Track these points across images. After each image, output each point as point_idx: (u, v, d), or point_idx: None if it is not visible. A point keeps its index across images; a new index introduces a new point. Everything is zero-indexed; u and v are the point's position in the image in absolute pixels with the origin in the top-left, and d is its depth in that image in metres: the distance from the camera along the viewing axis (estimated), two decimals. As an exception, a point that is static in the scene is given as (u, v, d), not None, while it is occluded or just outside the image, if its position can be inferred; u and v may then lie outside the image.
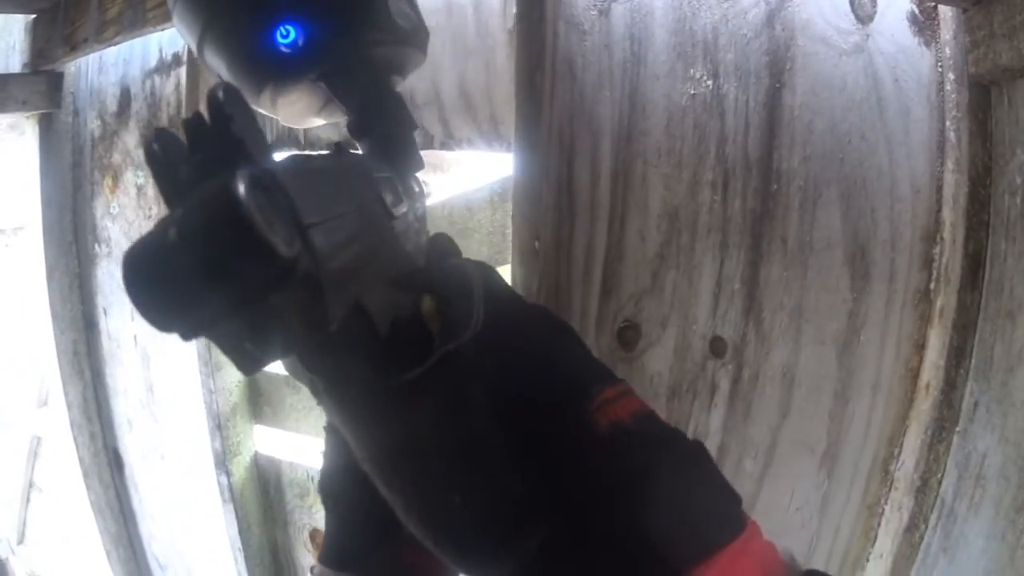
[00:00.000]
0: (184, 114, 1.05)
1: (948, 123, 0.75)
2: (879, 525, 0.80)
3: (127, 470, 1.44)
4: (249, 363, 0.32)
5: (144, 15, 0.94)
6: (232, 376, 1.06)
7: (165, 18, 0.90)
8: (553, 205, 0.73)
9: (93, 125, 1.31)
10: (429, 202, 0.62)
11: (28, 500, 2.22)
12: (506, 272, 0.78)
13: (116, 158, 1.27)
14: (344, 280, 0.33)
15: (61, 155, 1.36)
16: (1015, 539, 0.68)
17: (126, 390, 1.37)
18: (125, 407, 1.39)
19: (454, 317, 0.38)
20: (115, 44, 1.09)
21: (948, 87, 0.75)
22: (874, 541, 0.80)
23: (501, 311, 0.40)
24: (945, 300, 0.76)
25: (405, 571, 0.50)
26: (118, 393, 1.40)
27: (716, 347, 0.75)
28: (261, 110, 0.49)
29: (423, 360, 0.36)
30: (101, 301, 1.36)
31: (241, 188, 0.28)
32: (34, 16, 1.29)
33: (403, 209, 0.43)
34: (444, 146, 0.92)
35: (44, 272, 1.36)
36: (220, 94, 0.33)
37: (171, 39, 1.09)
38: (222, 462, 1.08)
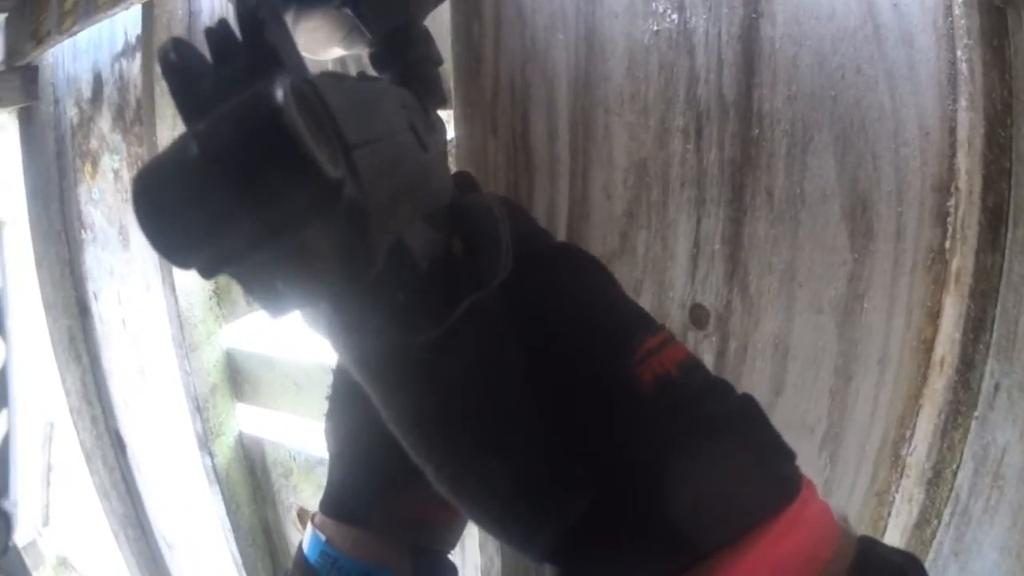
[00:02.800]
0: (141, 95, 1.03)
1: (959, 53, 0.66)
2: (889, 515, 0.72)
3: (130, 451, 1.46)
4: (279, 305, 0.28)
5: (95, 2, 0.94)
6: (209, 357, 1.05)
7: (115, 3, 0.89)
8: (507, 163, 0.67)
9: (71, 113, 1.32)
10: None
11: (49, 483, 2.29)
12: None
13: (93, 144, 1.27)
14: (387, 212, 0.29)
15: (44, 145, 1.37)
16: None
17: (122, 372, 1.38)
18: (122, 389, 1.40)
19: (482, 262, 0.35)
20: (74, 34, 1.11)
21: (957, 11, 0.66)
22: (883, 532, 0.72)
23: (529, 251, 0.37)
24: (962, 262, 0.67)
25: (411, 525, 0.47)
26: (115, 376, 1.40)
27: (697, 316, 0.68)
28: None
29: (450, 312, 0.32)
30: (91, 286, 1.36)
31: (280, 94, 0.24)
32: (5, 16, 1.32)
33: (431, 142, 0.41)
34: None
35: (34, 261, 1.37)
36: (251, 1, 0.29)
37: (135, 21, 1.09)
38: (204, 444, 1.07)
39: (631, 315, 0.36)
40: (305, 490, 1.15)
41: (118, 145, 1.20)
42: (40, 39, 1.20)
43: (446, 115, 0.59)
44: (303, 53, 0.69)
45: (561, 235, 0.67)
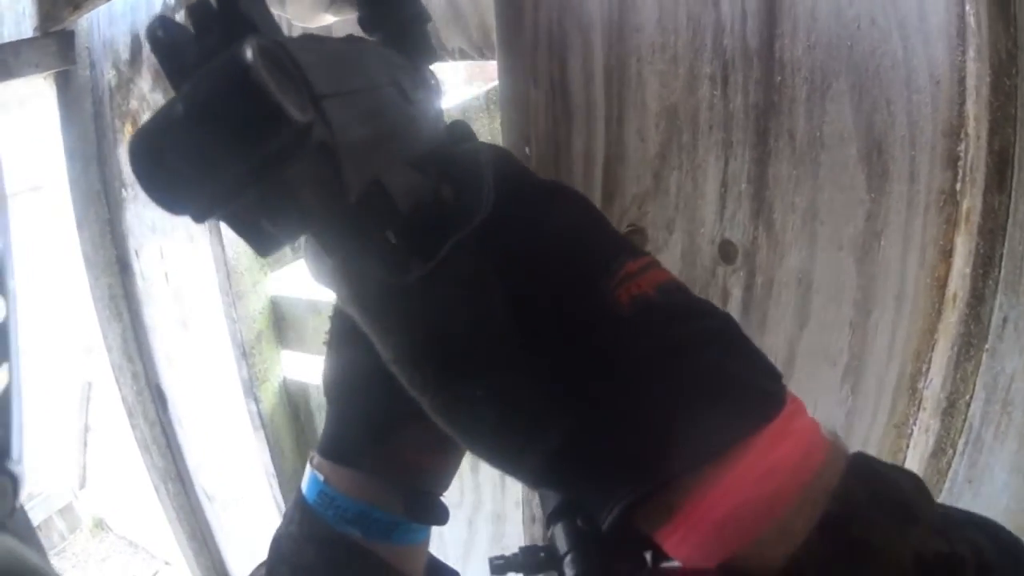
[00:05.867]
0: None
1: (967, 7, 0.73)
2: (908, 447, 0.77)
3: (171, 405, 1.51)
4: (266, 242, 0.31)
5: None
6: (255, 304, 1.10)
7: None
8: (545, 108, 0.73)
9: (109, 75, 1.38)
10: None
11: (86, 444, 2.33)
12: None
13: (133, 104, 1.33)
14: (361, 155, 0.33)
15: (82, 108, 1.42)
16: (1036, 479, 0.65)
17: (163, 327, 1.44)
18: (164, 344, 1.45)
19: (465, 201, 0.37)
20: (112, -1, 1.17)
21: (966, -33, 0.73)
22: (903, 463, 0.77)
23: (512, 190, 0.39)
24: (971, 203, 0.73)
25: (406, 469, 0.50)
26: (156, 331, 1.46)
27: (726, 251, 0.74)
28: (277, 10, 0.50)
29: (436, 251, 0.35)
30: (133, 243, 1.42)
31: (248, 53, 0.27)
32: (38, -19, 1.38)
33: (419, 95, 0.44)
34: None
35: (75, 222, 1.42)
36: None
37: None
38: (250, 390, 1.12)
39: (613, 242, 0.38)
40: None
41: (159, 104, 1.26)
42: (78, 4, 1.26)
43: (479, 67, 0.64)
44: (295, 22, 0.74)
45: (597, 176, 0.73)
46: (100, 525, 2.53)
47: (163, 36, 0.32)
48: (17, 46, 1.33)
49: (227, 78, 0.27)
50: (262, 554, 0.55)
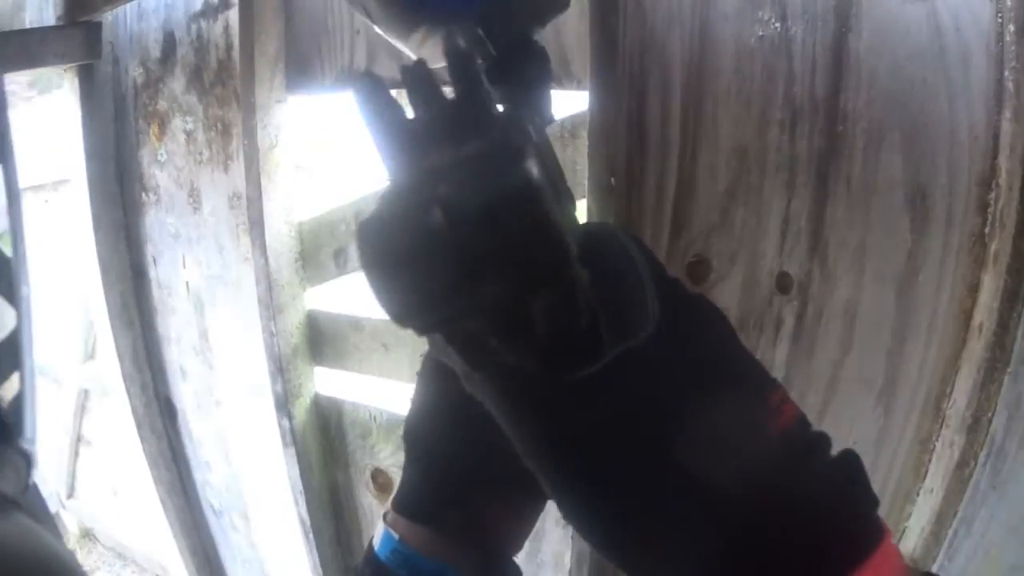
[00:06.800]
0: (229, 57, 1.09)
1: (1007, 73, 0.82)
2: (930, 461, 0.86)
3: (180, 418, 1.50)
4: (487, 360, 0.30)
5: None
6: (293, 318, 1.11)
7: None
8: (624, 141, 0.79)
9: (135, 73, 1.37)
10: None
11: (77, 454, 2.28)
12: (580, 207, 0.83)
13: (162, 105, 1.32)
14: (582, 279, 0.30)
15: (103, 106, 1.40)
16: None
17: (179, 338, 1.43)
18: (177, 355, 1.44)
19: (629, 312, 0.35)
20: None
21: (1008, 38, 0.81)
22: (924, 476, 0.86)
23: (668, 297, 0.37)
24: (1000, 245, 0.82)
25: (483, 529, 0.50)
26: (170, 341, 1.45)
27: (783, 283, 0.81)
28: (404, 48, 0.50)
29: (598, 356, 0.34)
30: (151, 250, 1.41)
31: (535, 171, 0.24)
32: (68, -32, 1.34)
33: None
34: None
35: (91, 224, 1.39)
36: (462, 45, 0.30)
37: None
38: (283, 405, 1.12)
39: (760, 369, 0.38)
40: (383, 450, 1.21)
41: (193, 107, 1.26)
42: (114, -7, 1.23)
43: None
44: (383, 35, 0.74)
45: (668, 207, 0.80)
46: (88, 535, 2.47)
47: (374, 98, 0.31)
48: (44, 33, 1.30)
49: (506, 193, 0.25)
50: (275, 572, 0.54)
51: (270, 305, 1.08)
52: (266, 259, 1.06)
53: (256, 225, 1.09)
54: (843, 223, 0.80)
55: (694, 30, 0.78)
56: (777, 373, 0.83)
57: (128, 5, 1.29)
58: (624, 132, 0.79)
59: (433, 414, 0.52)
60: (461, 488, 0.49)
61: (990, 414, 0.83)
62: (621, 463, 0.35)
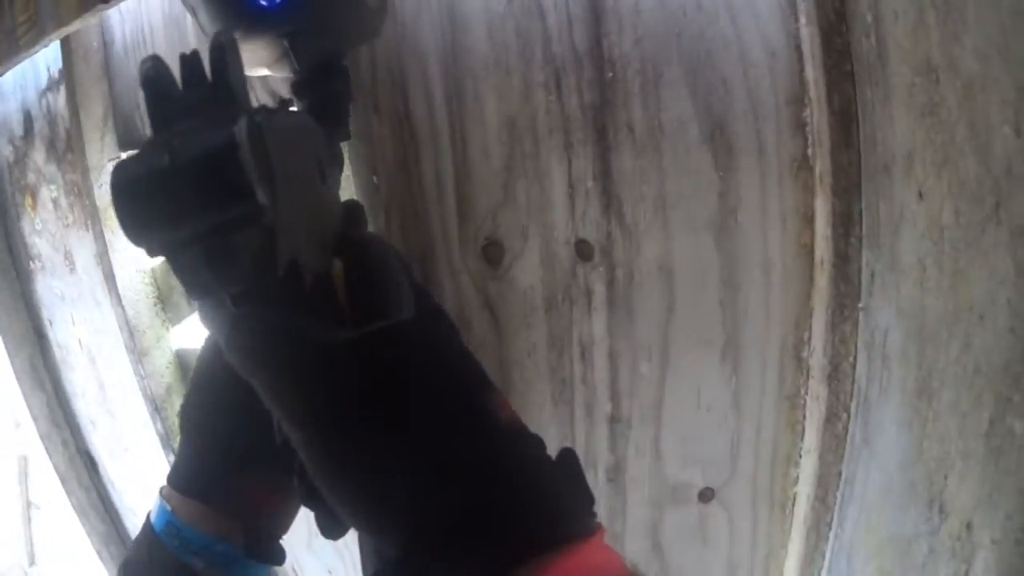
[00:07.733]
0: (69, 125, 1.15)
1: (792, -25, 0.74)
2: (804, 418, 0.78)
3: (101, 469, 1.53)
4: (201, 291, 0.38)
5: (16, 44, 1.05)
6: (161, 359, 1.14)
7: (35, 41, 1.00)
8: (392, 138, 0.77)
9: (6, 152, 1.41)
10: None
11: (30, 519, 2.39)
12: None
13: (31, 177, 1.36)
14: (290, 234, 0.39)
15: None
16: (921, 429, 0.65)
17: (83, 392, 1.46)
18: (86, 408, 1.48)
19: (389, 297, 0.43)
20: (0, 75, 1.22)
21: (781, -62, 0.74)
22: (802, 435, 0.78)
23: (419, 297, 0.44)
24: (823, 164, 0.74)
25: (251, 507, 0.55)
26: (77, 396, 1.49)
27: (582, 250, 0.76)
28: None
29: (358, 325, 0.40)
30: (45, 313, 1.46)
31: (244, 136, 0.34)
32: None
33: (330, 173, 0.50)
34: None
35: None
36: (222, 42, 0.39)
37: (55, 57, 1.17)
38: (167, 443, 1.15)
39: (484, 373, 0.43)
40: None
41: (54, 175, 1.29)
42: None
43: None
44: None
45: (450, 196, 0.76)
46: (54, 604, 2.57)
47: (154, 75, 0.39)
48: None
49: (217, 148, 0.34)
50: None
51: (134, 350, 1.11)
52: (122, 308, 1.09)
53: (108, 278, 1.12)
54: (634, 175, 0.75)
55: (442, 11, 0.76)
56: (600, 346, 0.77)
57: (-10, 90, 1.37)
58: (390, 129, 0.77)
59: (204, 390, 0.57)
60: (225, 463, 0.54)
61: (851, 358, 0.74)
62: (370, 426, 0.38)
